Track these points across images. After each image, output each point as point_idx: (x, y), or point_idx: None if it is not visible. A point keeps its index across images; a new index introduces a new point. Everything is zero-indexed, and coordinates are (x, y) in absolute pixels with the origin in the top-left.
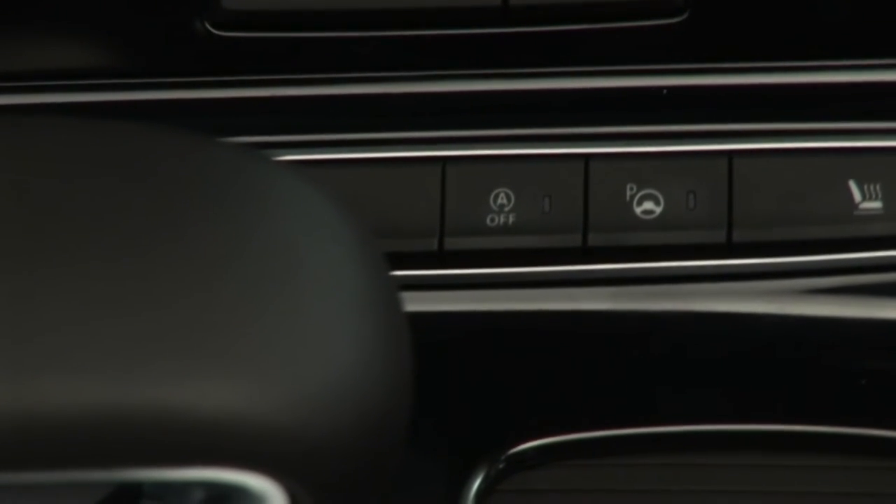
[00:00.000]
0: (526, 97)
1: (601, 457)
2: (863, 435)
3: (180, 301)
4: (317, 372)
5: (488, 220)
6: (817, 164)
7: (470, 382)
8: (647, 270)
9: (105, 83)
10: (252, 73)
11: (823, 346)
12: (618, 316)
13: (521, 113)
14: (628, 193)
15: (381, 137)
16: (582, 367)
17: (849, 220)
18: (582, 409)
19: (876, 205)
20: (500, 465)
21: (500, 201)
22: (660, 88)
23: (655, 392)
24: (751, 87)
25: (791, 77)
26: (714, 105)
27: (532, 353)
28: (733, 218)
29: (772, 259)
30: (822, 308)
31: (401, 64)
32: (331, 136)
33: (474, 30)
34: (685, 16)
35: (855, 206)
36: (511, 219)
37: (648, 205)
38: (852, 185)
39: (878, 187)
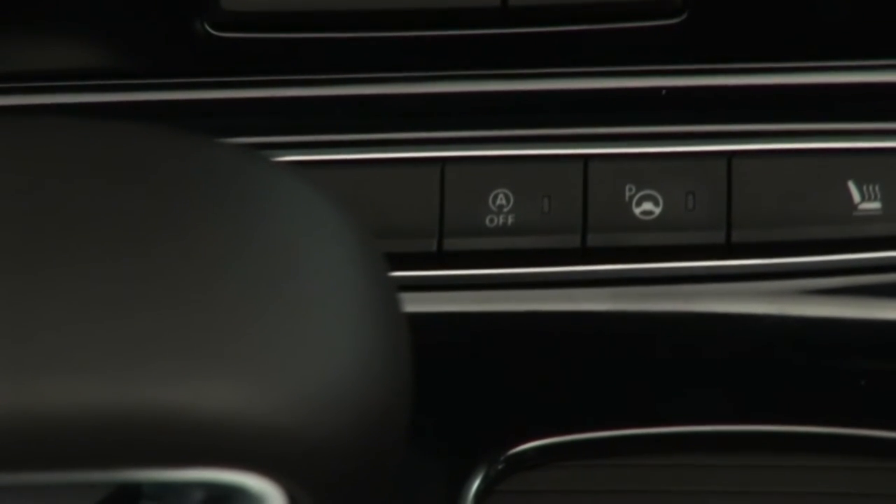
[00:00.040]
0: (525, 98)
1: (601, 457)
2: (863, 436)
3: (180, 301)
4: (316, 372)
5: (487, 221)
6: (816, 165)
7: (470, 383)
8: (647, 271)
9: (105, 84)
10: (251, 74)
11: (823, 346)
12: (617, 317)
13: (520, 114)
14: (627, 194)
15: (381, 138)
16: (581, 367)
17: (848, 221)
18: (581, 409)
19: (875, 205)
20: (500, 466)
21: (499, 202)
22: (659, 89)
23: (655, 392)
24: (750, 87)
25: (790, 78)
26: (713, 106)
27: (531, 354)
28: (732, 219)
29: (771, 260)
30: (822, 309)
31: (400, 65)
32: (330, 137)
33: (473, 30)
34: (684, 16)
35: (854, 206)
36: (510, 219)
37: (648, 205)
38: (851, 186)
39: (877, 188)
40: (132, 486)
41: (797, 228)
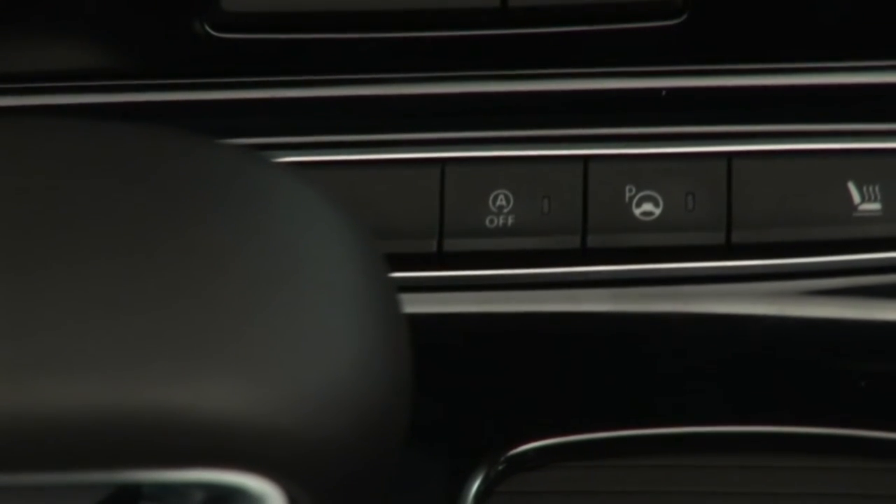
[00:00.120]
0: (525, 98)
1: (601, 458)
2: (863, 436)
3: (180, 302)
4: (316, 373)
5: (487, 222)
6: (816, 166)
7: (469, 383)
8: (647, 272)
9: (105, 84)
10: (251, 75)
11: (822, 347)
12: (617, 317)
13: (520, 114)
14: (627, 195)
15: (381, 139)
16: (581, 368)
17: (848, 222)
18: (581, 410)
19: (875, 206)
20: (500, 467)
21: (499, 203)
22: (659, 90)
23: (655, 393)
24: (750, 88)
25: (790, 79)
26: (713, 107)
27: (531, 355)
28: (732, 219)
29: (771, 260)
30: (821, 309)
31: (400, 65)
32: (330, 138)
33: (473, 31)
34: (684, 17)
35: (854, 207)
36: (510, 220)
37: (647, 206)
38: (851, 187)
39: (877, 189)
40: (132, 487)
41: (797, 229)
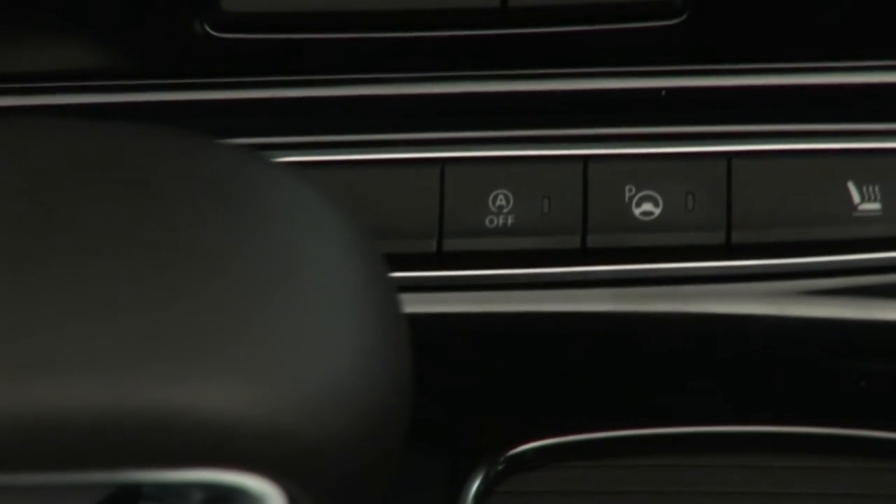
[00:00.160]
0: (525, 98)
1: (601, 458)
2: (863, 436)
3: (180, 302)
4: (316, 373)
5: (487, 222)
6: (816, 166)
7: (469, 384)
8: (646, 272)
9: (105, 85)
10: (251, 75)
11: (822, 347)
12: (617, 317)
13: (520, 114)
14: (627, 195)
15: (380, 139)
16: (581, 368)
17: (848, 222)
18: (581, 410)
19: (875, 206)
20: (500, 466)
21: (498, 203)
22: (659, 90)
23: (655, 393)
24: (750, 88)
25: (790, 78)
26: (713, 106)
27: (531, 355)
28: (732, 219)
29: (771, 260)
30: (821, 309)
31: (400, 65)
32: (330, 138)
33: (473, 31)
34: (684, 17)
35: (854, 207)
36: (510, 220)
37: (647, 206)
38: (851, 187)
39: (876, 189)
40: (132, 487)
41: (797, 229)
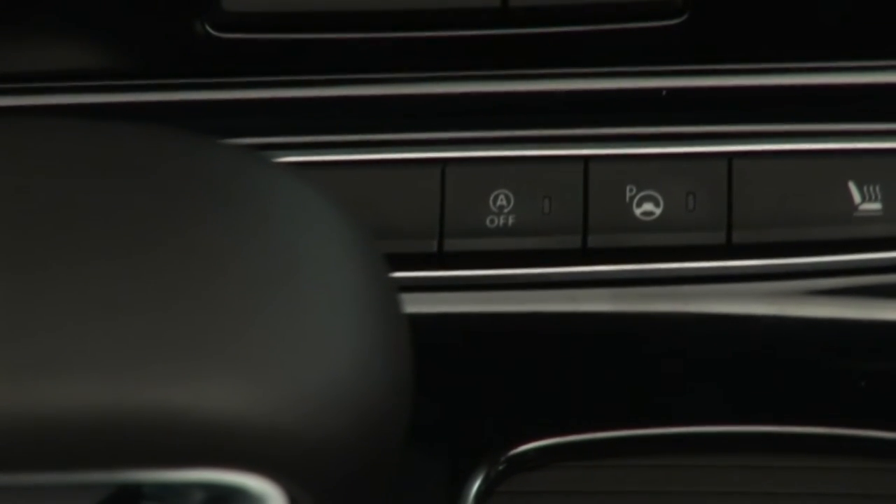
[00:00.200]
0: (525, 99)
1: (602, 458)
2: (863, 436)
3: (180, 302)
4: (316, 373)
5: (488, 222)
6: (817, 166)
7: (470, 383)
8: (647, 272)
9: (105, 85)
10: (252, 75)
11: (823, 347)
12: (617, 317)
13: (520, 114)
14: (628, 195)
15: (381, 139)
16: (582, 368)
17: (848, 222)
18: (582, 410)
19: (875, 206)
20: (501, 466)
21: (499, 203)
22: (659, 90)
23: (655, 393)
24: (750, 88)
25: (791, 78)
26: (714, 106)
27: (532, 355)
28: (733, 219)
29: (771, 260)
30: (822, 309)
31: (400, 65)
32: (331, 138)
33: (474, 31)
34: (685, 17)
35: (854, 207)
36: (511, 220)
37: (648, 206)
38: (852, 187)
39: (877, 189)
40: (132, 487)
41: (798, 229)
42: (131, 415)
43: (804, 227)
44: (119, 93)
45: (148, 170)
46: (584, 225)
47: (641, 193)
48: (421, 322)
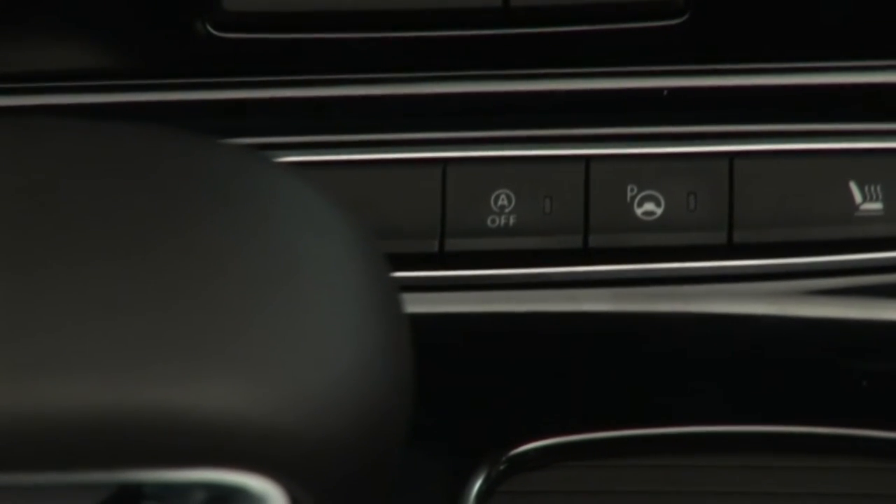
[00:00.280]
0: (527, 98)
1: (603, 458)
2: (864, 436)
3: (180, 302)
4: (317, 373)
5: (489, 222)
6: (818, 166)
7: (471, 383)
8: (648, 272)
9: (106, 84)
10: (253, 75)
11: (823, 347)
12: (618, 317)
13: (521, 114)
14: (629, 194)
15: (382, 139)
16: (583, 368)
17: (849, 222)
18: (583, 410)
19: (876, 206)
20: (502, 466)
21: (500, 202)
22: (660, 90)
23: (655, 393)
24: (751, 88)
25: (792, 78)
26: (715, 106)
27: (533, 355)
28: (734, 219)
29: (772, 260)
30: (823, 309)
31: (401, 65)
32: (331, 138)
33: (475, 31)
34: (686, 17)
35: (855, 207)
36: (512, 220)
37: (649, 206)
38: (853, 187)
39: (878, 188)
40: (133, 487)
41: (799, 229)
42: (131, 415)
43: (805, 226)
44: (119, 93)
45: (148, 170)
46: (584, 225)
47: (642, 193)
48: (422, 322)
